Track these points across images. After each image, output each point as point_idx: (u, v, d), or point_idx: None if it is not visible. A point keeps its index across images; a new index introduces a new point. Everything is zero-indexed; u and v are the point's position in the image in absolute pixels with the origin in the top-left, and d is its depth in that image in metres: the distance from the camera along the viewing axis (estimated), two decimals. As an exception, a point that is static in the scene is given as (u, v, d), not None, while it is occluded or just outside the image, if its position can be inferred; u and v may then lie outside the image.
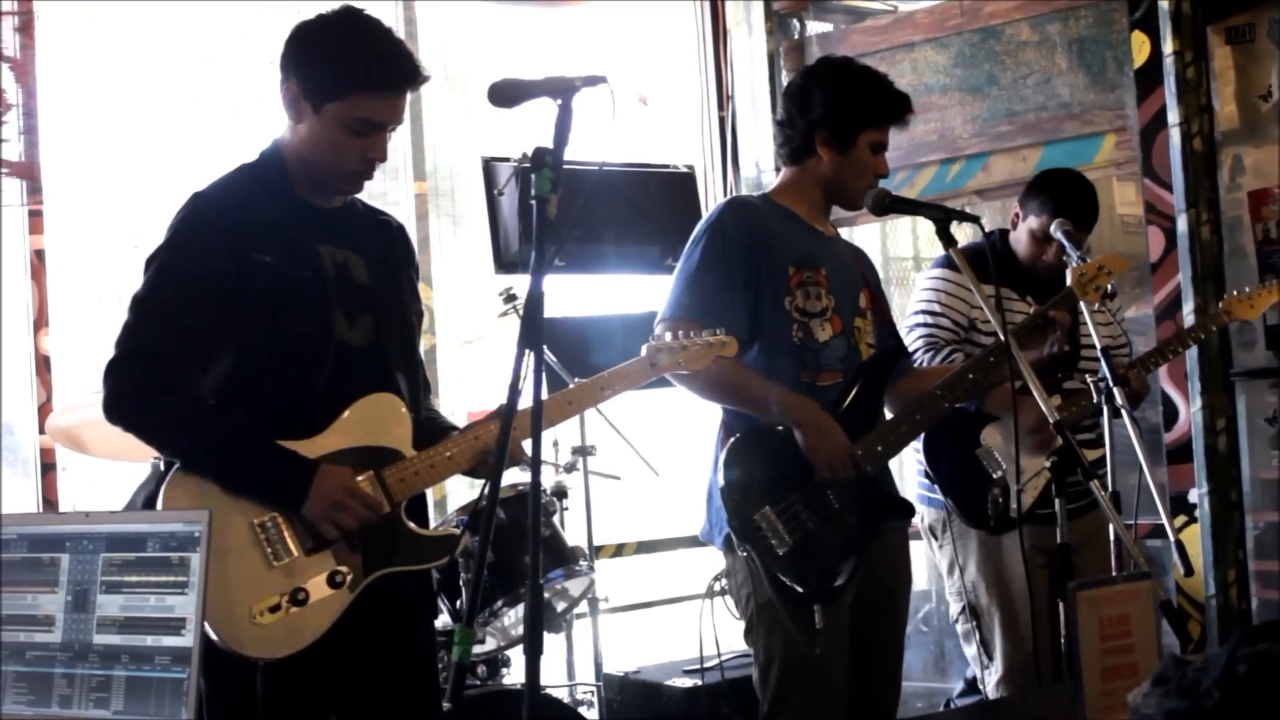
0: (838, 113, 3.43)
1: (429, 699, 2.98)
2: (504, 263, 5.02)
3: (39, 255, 4.51)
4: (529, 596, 2.30)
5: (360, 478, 2.78)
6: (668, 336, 3.08)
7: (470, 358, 5.43)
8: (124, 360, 2.73)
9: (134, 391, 2.72)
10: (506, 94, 2.47)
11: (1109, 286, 3.68)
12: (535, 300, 2.41)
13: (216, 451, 2.74)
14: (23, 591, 2.28)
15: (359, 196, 3.02)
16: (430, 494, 5.11)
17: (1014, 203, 4.17)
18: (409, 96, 2.89)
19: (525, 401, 2.38)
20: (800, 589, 3.25)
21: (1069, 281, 3.63)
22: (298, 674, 2.67)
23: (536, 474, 2.36)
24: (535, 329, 2.39)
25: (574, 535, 4.20)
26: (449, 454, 2.89)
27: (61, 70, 4.69)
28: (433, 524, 3.99)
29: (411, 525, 2.86)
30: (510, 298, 4.26)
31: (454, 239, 5.55)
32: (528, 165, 2.45)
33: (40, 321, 4.46)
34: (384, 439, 2.85)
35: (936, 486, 3.94)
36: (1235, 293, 4.08)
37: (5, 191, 4.45)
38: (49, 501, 4.45)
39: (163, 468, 2.81)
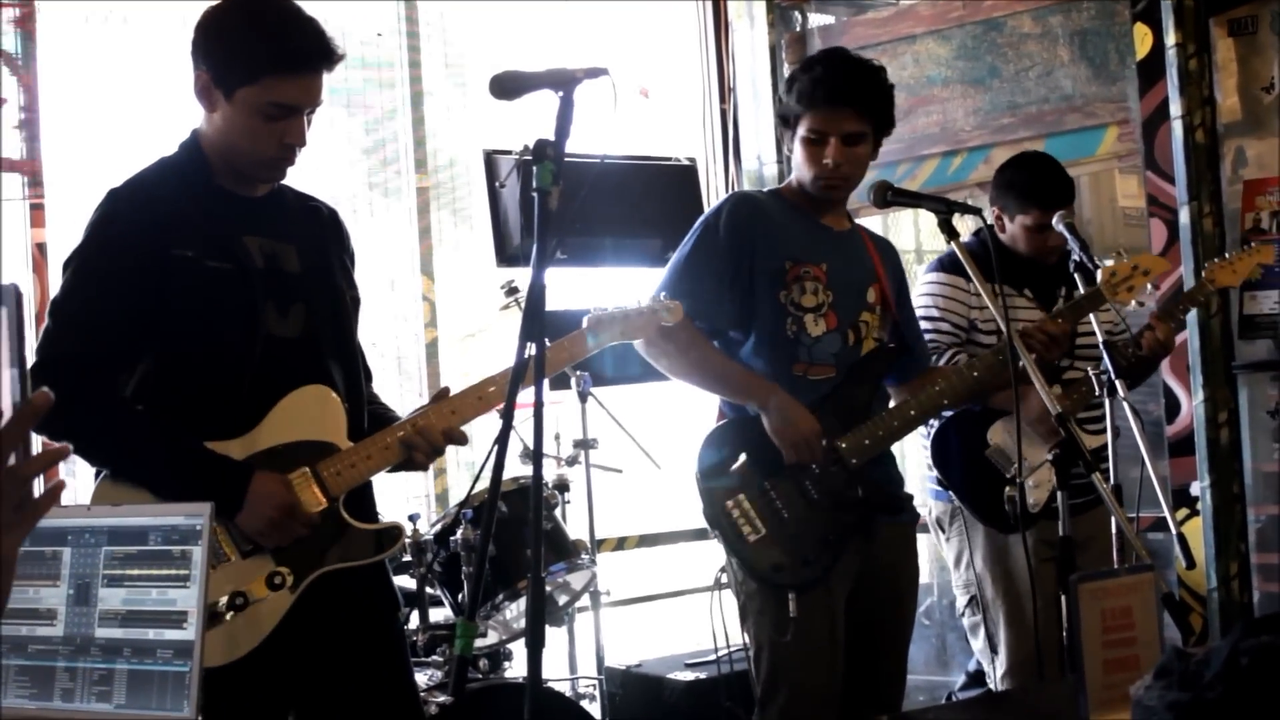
0: (778, 107, 3.47)
1: (398, 693, 2.93)
2: (506, 255, 5.01)
3: (40, 249, 4.50)
4: (531, 590, 2.29)
5: (294, 474, 2.72)
6: (609, 306, 3.04)
7: (472, 351, 5.44)
8: (44, 368, 2.68)
9: (55, 401, 2.64)
10: (507, 86, 2.45)
11: (1148, 287, 3.64)
12: (537, 292, 2.40)
13: (144, 460, 2.69)
14: (24, 585, 2.27)
15: (288, 183, 2.94)
16: (432, 487, 5.20)
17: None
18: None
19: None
20: (770, 577, 3.27)
21: (1099, 280, 3.61)
22: (243, 680, 2.60)
23: (538, 467, 2.35)
24: (537, 321, 2.38)
25: (575, 528, 4.20)
26: (386, 444, 2.81)
27: (61, 65, 4.68)
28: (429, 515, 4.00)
29: (351, 520, 2.79)
30: (512, 290, 4.25)
31: (455, 232, 5.56)
32: (529, 158, 2.43)
33: (41, 315, 4.46)
34: (317, 432, 2.78)
35: (945, 483, 3.94)
36: (1217, 259, 4.04)
37: (6, 186, 4.45)
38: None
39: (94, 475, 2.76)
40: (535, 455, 2.32)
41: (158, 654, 2.18)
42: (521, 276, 4.26)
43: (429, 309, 5.35)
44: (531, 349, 2.35)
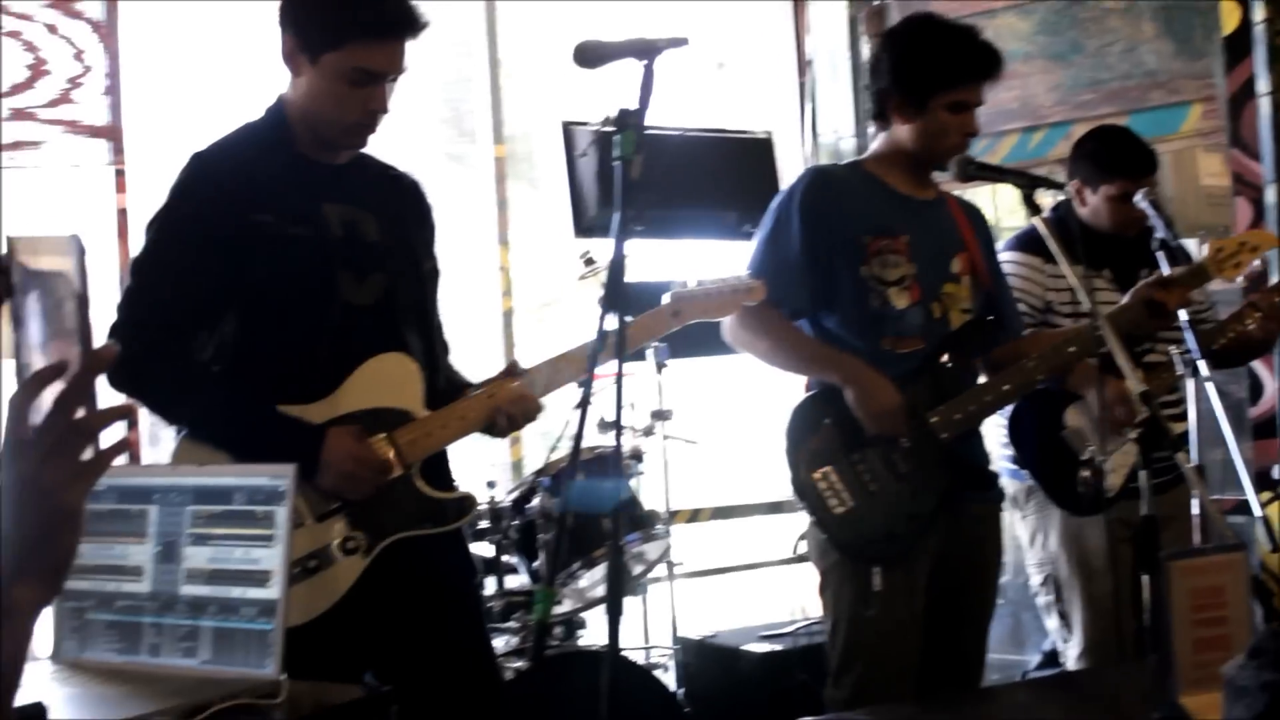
0: (903, 78, 3.36)
1: (475, 656, 2.93)
2: (582, 226, 4.99)
3: (122, 214, 4.55)
4: (610, 558, 2.29)
5: (372, 439, 2.73)
6: (692, 284, 3.02)
7: (548, 321, 5.44)
8: (123, 328, 2.69)
9: (133, 360, 2.58)
10: (590, 55, 2.45)
11: (1257, 262, 3.56)
12: (619, 263, 2.39)
13: (220, 421, 2.71)
14: (111, 541, 2.30)
15: (370, 152, 2.94)
16: (508, 455, 5.21)
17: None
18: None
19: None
20: (856, 550, 3.25)
21: (1205, 257, 3.54)
22: (318, 640, 2.59)
23: (619, 439, 2.35)
24: (618, 292, 2.37)
25: (650, 499, 4.20)
26: (462, 413, 2.82)
27: (144, 29, 4.71)
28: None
29: (425, 488, 2.79)
30: (589, 261, 4.24)
31: (532, 202, 5.56)
32: (608, 129, 2.44)
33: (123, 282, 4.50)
34: (394, 400, 2.79)
35: (1020, 462, 3.90)
36: None
37: (90, 152, 4.50)
38: (131, 456, 4.49)
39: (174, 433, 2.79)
40: (616, 427, 2.31)
41: (241, 611, 2.20)
42: (598, 247, 4.25)
43: (505, 279, 5.36)
44: (614, 322, 2.35)
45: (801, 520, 3.42)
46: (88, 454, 1.35)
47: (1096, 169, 3.97)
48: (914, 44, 3.41)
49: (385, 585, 2.74)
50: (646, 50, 2.40)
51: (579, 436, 2.37)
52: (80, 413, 1.34)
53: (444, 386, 2.93)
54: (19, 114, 4.40)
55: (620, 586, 2.31)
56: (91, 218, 4.48)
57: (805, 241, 3.32)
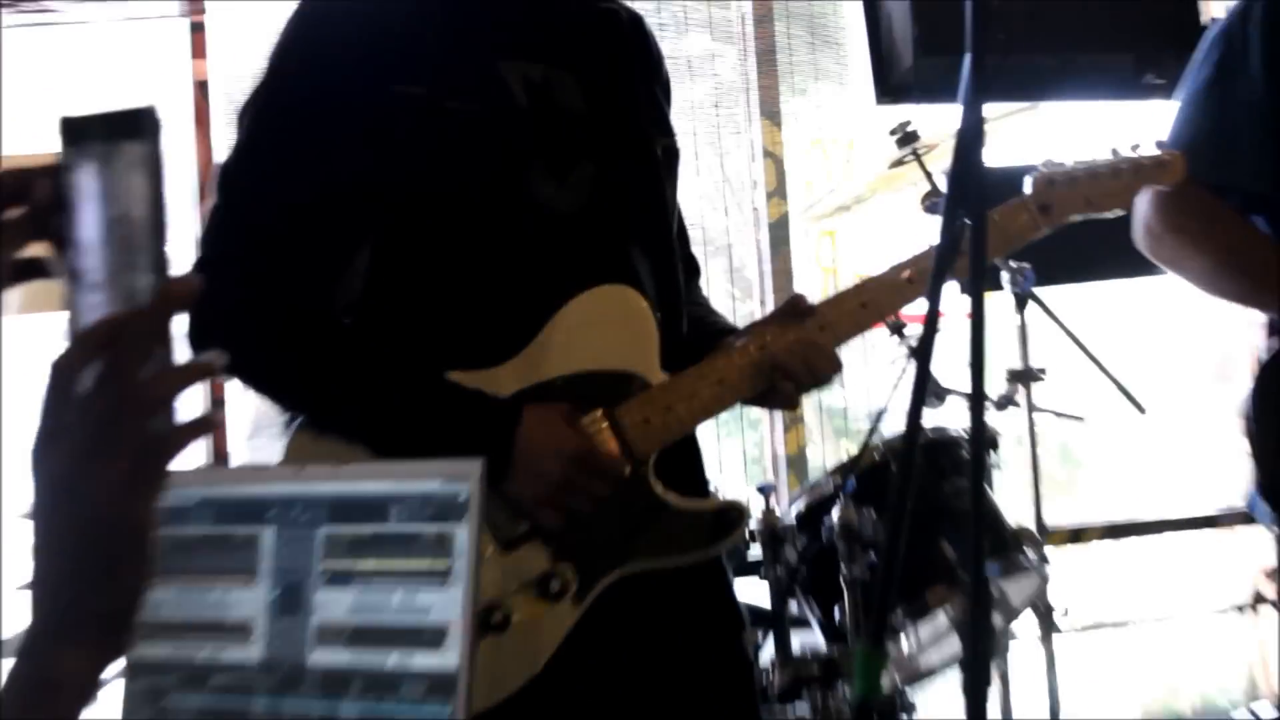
0: None
1: None
2: (890, 87, 4.97)
3: (201, 89, 4.63)
4: (970, 603, 2.21)
5: (585, 420, 2.68)
6: (1066, 162, 2.91)
7: (839, 230, 5.42)
8: (210, 264, 2.69)
9: (219, 315, 2.56)
10: None
11: None
12: (969, 134, 2.33)
13: (356, 397, 2.69)
14: (204, 583, 2.29)
15: None
16: (781, 444, 5.18)
17: None
18: None
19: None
20: None
21: None
22: None
23: (978, 416, 2.28)
24: (970, 180, 2.31)
25: (1013, 511, 4.12)
26: (719, 375, 2.76)
27: None
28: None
29: (665, 494, 2.74)
30: (906, 137, 4.17)
31: (808, 59, 5.57)
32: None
33: (205, 189, 4.60)
34: (616, 358, 2.75)
35: None
36: None
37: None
38: (217, 453, 4.59)
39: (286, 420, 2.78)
40: (975, 398, 2.23)
41: (402, 690, 2.16)
42: (916, 115, 4.19)
43: (773, 170, 5.39)
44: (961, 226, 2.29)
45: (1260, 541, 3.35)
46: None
47: None
48: None
49: (606, 646, 2.71)
50: None
51: (915, 412, 2.31)
52: (147, 375, 1.34)
53: (689, 333, 2.91)
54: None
55: (986, 646, 2.25)
56: (158, 95, 4.57)
57: (1270, 92, 3.24)
